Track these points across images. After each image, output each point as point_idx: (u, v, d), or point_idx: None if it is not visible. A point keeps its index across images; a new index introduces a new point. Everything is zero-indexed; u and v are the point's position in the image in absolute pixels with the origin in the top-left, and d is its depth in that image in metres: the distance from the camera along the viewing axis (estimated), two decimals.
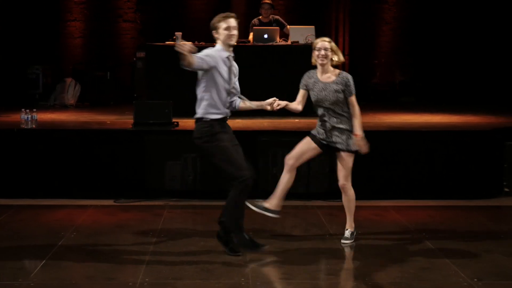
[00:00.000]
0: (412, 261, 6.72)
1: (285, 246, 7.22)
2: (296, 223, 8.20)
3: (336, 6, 16.21)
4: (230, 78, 6.80)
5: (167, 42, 11.70)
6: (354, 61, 16.20)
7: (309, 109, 11.27)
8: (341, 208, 8.92)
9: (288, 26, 12.20)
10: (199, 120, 6.80)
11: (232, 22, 6.84)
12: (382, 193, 9.43)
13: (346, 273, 6.42)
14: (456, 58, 15.90)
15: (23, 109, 9.85)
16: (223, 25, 6.82)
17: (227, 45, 6.81)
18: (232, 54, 6.87)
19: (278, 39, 11.70)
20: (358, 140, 7.14)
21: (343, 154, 7.17)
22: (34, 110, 9.90)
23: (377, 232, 7.83)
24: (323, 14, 16.18)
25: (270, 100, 7.05)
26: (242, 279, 6.18)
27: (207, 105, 6.74)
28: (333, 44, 7.25)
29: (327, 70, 7.23)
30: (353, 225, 7.39)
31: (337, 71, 7.26)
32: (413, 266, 6.58)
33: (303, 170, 9.23)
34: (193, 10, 15.99)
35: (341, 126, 7.16)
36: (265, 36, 11.54)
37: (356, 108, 7.18)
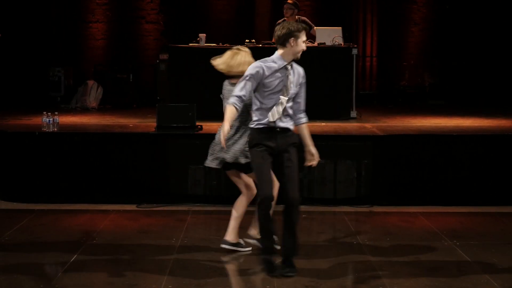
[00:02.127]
0: (443, 269, 6.60)
1: (311, 253, 7.11)
2: (323, 229, 8.13)
3: (364, 6, 16.12)
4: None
5: (191, 44, 11.65)
6: (382, 62, 16.08)
7: (335, 113, 11.26)
8: (369, 214, 8.83)
9: (314, 28, 12.06)
10: None
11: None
12: (411, 199, 9.27)
13: (374, 281, 6.27)
14: (487, 59, 15.73)
15: (44, 112, 9.85)
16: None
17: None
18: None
19: None
20: None
21: None
22: (56, 113, 9.92)
23: (406, 239, 7.71)
24: (350, 15, 16.09)
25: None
26: (268, 287, 6.08)
27: None
28: None
29: None
30: None
31: None
32: (443, 274, 6.46)
33: (330, 176, 9.13)
34: (217, 11, 15.91)
35: None
36: None
37: None
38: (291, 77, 6.32)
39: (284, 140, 6.35)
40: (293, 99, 6.38)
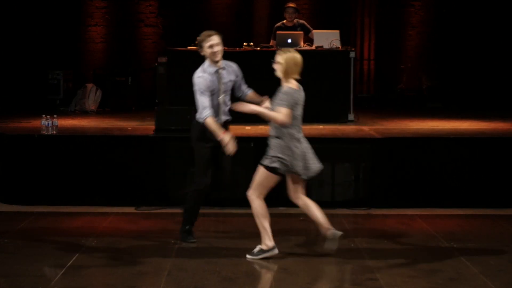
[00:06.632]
0: (440, 272, 6.61)
1: (309, 255, 7.16)
2: (320, 232, 8.06)
3: (362, 10, 16.11)
4: (219, 89, 7.44)
5: (189, 47, 11.64)
6: (380, 66, 16.08)
7: (333, 116, 11.28)
8: (367, 217, 8.85)
9: (312, 31, 12.08)
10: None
11: (215, 39, 7.34)
12: (408, 201, 9.28)
13: (371, 284, 6.28)
14: (484, 62, 15.71)
15: (43, 115, 9.84)
16: (206, 43, 7.34)
17: (213, 61, 7.37)
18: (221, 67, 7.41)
19: (302, 43, 11.58)
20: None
21: None
22: (55, 116, 9.90)
23: (404, 241, 7.72)
24: (348, 18, 16.07)
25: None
26: None
27: None
28: None
29: None
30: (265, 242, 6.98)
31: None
32: (441, 276, 6.47)
33: (328, 178, 9.14)
34: (215, 14, 15.91)
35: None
36: (289, 40, 11.42)
37: None
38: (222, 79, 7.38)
39: None
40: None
